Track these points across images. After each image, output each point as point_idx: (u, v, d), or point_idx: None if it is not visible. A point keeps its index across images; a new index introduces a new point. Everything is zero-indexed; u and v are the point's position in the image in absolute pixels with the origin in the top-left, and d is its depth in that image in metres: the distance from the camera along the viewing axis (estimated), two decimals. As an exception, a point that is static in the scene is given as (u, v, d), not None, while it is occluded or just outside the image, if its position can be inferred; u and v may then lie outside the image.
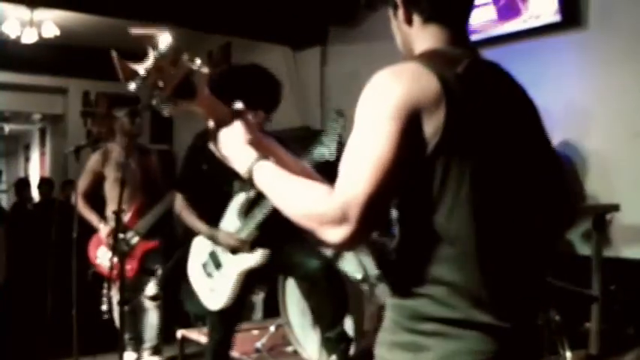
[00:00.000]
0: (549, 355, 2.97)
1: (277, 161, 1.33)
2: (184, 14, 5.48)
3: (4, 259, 4.84)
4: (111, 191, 4.22)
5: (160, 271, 4.34)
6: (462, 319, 1.16)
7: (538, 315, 1.34)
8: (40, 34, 6.58)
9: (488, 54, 1.34)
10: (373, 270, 3.60)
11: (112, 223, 3.93)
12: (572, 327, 3.25)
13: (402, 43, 1.36)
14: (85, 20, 6.48)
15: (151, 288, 4.34)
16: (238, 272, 2.93)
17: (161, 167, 4.60)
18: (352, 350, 3.25)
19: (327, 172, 1.19)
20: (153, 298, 4.34)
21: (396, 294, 1.24)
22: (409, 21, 1.31)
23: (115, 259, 3.37)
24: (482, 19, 4.34)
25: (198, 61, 1.35)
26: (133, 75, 1.32)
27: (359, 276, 3.53)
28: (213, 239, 2.97)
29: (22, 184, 8.04)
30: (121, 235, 3.70)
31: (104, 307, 4.14)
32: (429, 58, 1.23)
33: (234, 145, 1.37)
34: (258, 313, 4.82)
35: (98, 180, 4.30)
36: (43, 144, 10.93)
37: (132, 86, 1.32)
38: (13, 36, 6.52)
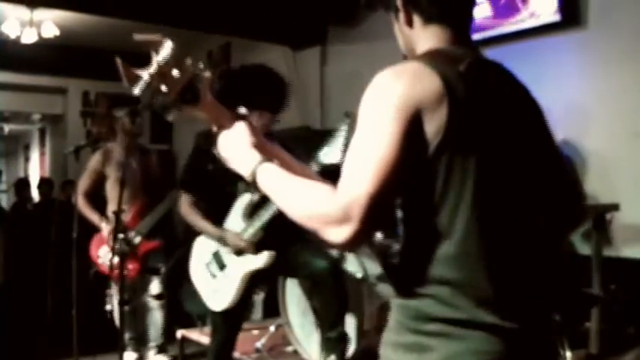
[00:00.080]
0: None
1: (281, 165, 1.33)
2: (184, 14, 5.49)
3: (2, 259, 4.85)
4: (112, 191, 4.22)
5: (163, 270, 4.35)
6: (466, 319, 1.16)
7: (550, 317, 1.31)
8: (39, 34, 6.58)
9: (488, 54, 1.34)
10: (373, 270, 3.60)
11: (113, 223, 3.94)
12: (572, 327, 3.25)
13: (405, 45, 1.36)
14: (85, 20, 6.48)
15: (155, 287, 4.35)
16: (243, 273, 2.92)
17: (161, 167, 4.61)
18: (352, 350, 3.26)
19: (335, 174, 1.19)
20: (157, 297, 4.34)
21: (401, 294, 1.24)
22: (410, 23, 1.32)
23: (116, 259, 3.38)
24: (481, 19, 4.34)
25: (201, 66, 1.36)
26: (137, 80, 1.33)
27: (359, 275, 3.53)
28: (222, 240, 2.95)
29: (22, 184, 8.05)
30: (121, 235, 3.70)
31: (108, 307, 4.14)
32: (431, 58, 1.23)
33: (238, 148, 1.37)
34: (258, 313, 4.82)
35: (99, 180, 4.30)
36: (42, 144, 10.93)
37: (136, 91, 1.34)
38: (12, 36, 6.52)
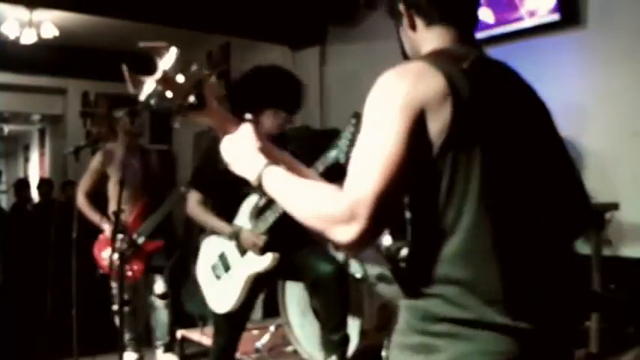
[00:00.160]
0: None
1: (288, 169, 1.33)
2: (184, 14, 5.48)
3: (2, 259, 4.85)
4: (114, 191, 4.22)
5: (166, 269, 4.36)
6: (474, 319, 1.14)
7: (569, 319, 1.27)
8: (39, 35, 6.57)
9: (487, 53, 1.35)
10: (373, 270, 3.61)
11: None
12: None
13: (411, 49, 1.37)
14: (84, 21, 6.48)
15: (160, 286, 4.35)
16: (247, 275, 2.91)
17: (161, 167, 4.61)
18: (352, 350, 3.26)
19: (340, 174, 1.19)
20: (162, 297, 4.35)
21: (409, 295, 1.23)
22: (413, 27, 1.32)
23: (116, 258, 3.38)
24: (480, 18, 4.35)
25: (205, 72, 1.37)
26: (143, 87, 1.35)
27: (359, 275, 3.53)
28: (235, 237, 2.92)
29: (22, 185, 8.04)
30: (120, 235, 3.70)
31: (115, 307, 4.15)
32: (435, 57, 1.24)
33: (243, 151, 1.37)
34: (258, 313, 4.82)
35: (101, 180, 4.31)
36: (42, 144, 10.92)
37: (142, 98, 1.35)
38: (12, 36, 6.51)
